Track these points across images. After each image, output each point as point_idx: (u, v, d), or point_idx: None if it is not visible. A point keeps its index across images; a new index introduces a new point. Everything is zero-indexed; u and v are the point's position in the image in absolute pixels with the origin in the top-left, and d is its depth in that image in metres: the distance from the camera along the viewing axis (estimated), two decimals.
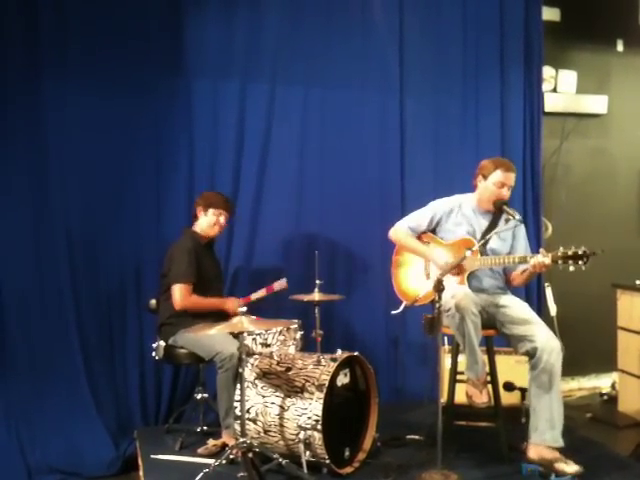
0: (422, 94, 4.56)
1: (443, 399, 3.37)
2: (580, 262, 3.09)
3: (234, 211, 3.91)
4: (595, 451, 3.55)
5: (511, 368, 3.90)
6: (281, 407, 3.20)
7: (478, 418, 3.52)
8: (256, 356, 3.43)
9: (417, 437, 3.63)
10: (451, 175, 4.50)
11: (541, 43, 4.77)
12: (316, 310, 3.67)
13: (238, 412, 3.14)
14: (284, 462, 3.05)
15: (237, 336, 3.18)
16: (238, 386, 3.15)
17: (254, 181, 4.26)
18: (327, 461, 3.12)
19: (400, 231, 3.66)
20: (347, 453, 3.29)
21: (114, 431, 3.88)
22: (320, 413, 3.10)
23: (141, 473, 3.37)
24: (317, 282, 3.68)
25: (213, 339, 3.39)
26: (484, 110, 4.67)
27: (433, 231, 3.63)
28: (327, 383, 3.15)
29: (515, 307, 3.41)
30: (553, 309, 4.73)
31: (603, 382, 5.10)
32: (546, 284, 4.76)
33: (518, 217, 3.44)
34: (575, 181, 5.18)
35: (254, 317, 3.36)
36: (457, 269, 3.36)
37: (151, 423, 4.04)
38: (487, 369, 3.34)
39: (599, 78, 5.20)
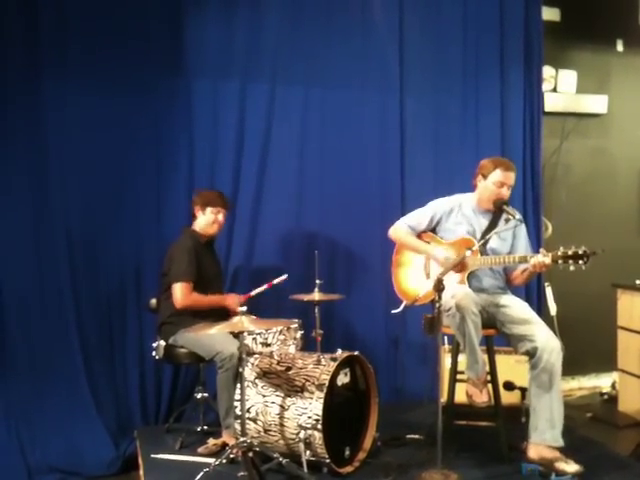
0: (422, 94, 4.56)
1: (443, 399, 3.37)
2: (580, 262, 3.10)
3: (231, 207, 3.90)
4: (595, 451, 3.55)
5: (511, 368, 3.90)
6: (281, 406, 3.21)
7: (478, 418, 3.52)
8: (256, 355, 3.43)
9: (417, 437, 3.63)
10: (451, 175, 4.50)
11: (541, 43, 4.77)
12: (316, 310, 3.67)
13: (238, 411, 3.14)
14: (284, 461, 3.05)
15: (237, 336, 3.18)
16: (238, 385, 3.16)
17: (254, 181, 4.26)
18: (327, 460, 3.12)
19: (400, 229, 3.66)
20: (347, 452, 3.29)
21: (114, 431, 3.88)
22: (320, 412, 3.10)
23: (141, 472, 3.37)
24: (317, 282, 3.68)
25: (213, 339, 3.39)
26: (484, 110, 4.67)
27: (433, 230, 3.63)
28: (327, 382, 3.15)
29: (515, 307, 3.41)
30: (553, 309, 4.74)
31: (603, 382, 5.10)
32: (546, 284, 4.76)
33: (518, 217, 3.45)
34: (575, 181, 5.18)
35: (254, 316, 3.36)
36: (457, 268, 3.36)
37: (151, 423, 4.04)
38: (487, 369, 3.34)
39: (599, 78, 5.20)
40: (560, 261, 3.13)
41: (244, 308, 3.08)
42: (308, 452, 3.11)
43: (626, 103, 5.26)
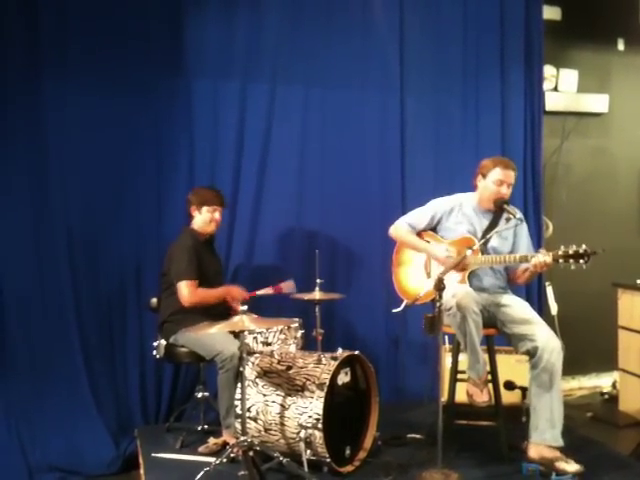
0: (422, 93, 4.56)
1: (444, 398, 3.37)
2: (581, 261, 3.10)
3: (227, 204, 3.87)
4: (595, 450, 3.55)
5: (512, 367, 3.90)
6: (282, 406, 3.21)
7: (479, 417, 3.52)
8: (257, 355, 3.43)
9: (418, 436, 3.63)
10: (451, 174, 4.50)
11: (542, 42, 4.77)
12: (317, 309, 3.68)
13: (239, 411, 3.14)
14: (285, 461, 3.05)
15: (238, 335, 3.18)
16: (239, 385, 3.15)
17: (254, 181, 4.26)
18: (328, 460, 3.12)
19: (400, 228, 3.66)
20: (348, 452, 3.29)
21: (115, 430, 3.88)
22: (321, 412, 3.10)
23: (142, 472, 3.37)
24: (318, 281, 3.69)
25: (214, 338, 3.39)
26: (484, 109, 4.67)
27: (434, 230, 3.63)
28: (328, 382, 3.15)
29: (516, 306, 3.41)
30: (554, 308, 4.74)
31: (604, 381, 5.09)
32: (547, 283, 4.76)
33: (519, 216, 3.46)
34: (576, 180, 5.17)
35: (255, 316, 3.36)
36: (458, 268, 3.35)
37: (152, 422, 4.04)
38: (487, 368, 3.34)
39: (600, 77, 5.20)
40: (561, 260, 3.13)
41: (245, 307, 3.08)
42: (308, 451, 3.11)
43: (627, 102, 5.26)
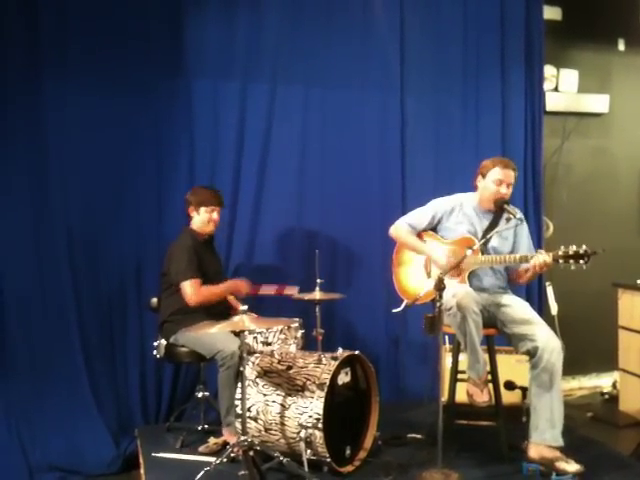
0: (423, 93, 4.56)
1: (444, 398, 3.37)
2: (581, 261, 3.10)
3: (224, 204, 3.86)
4: (596, 450, 3.55)
5: (512, 367, 3.89)
6: (282, 405, 3.21)
7: (479, 417, 3.52)
8: (257, 354, 3.43)
9: (418, 436, 3.63)
10: (451, 174, 4.51)
11: (542, 42, 4.77)
12: (317, 309, 3.68)
13: (239, 410, 3.14)
14: (285, 460, 3.05)
15: (238, 334, 3.18)
16: (239, 384, 3.15)
17: (254, 181, 4.26)
18: (328, 459, 3.12)
19: (401, 228, 3.66)
20: (348, 452, 3.29)
21: (115, 430, 3.88)
22: (321, 411, 3.10)
23: (142, 471, 3.37)
24: (318, 281, 3.69)
25: (214, 338, 3.39)
26: (485, 109, 4.67)
27: (434, 229, 3.63)
28: (328, 382, 3.15)
29: (516, 306, 3.41)
30: (554, 308, 4.73)
31: (604, 381, 5.09)
32: (547, 283, 4.76)
33: (519, 215, 3.46)
34: (576, 180, 5.17)
35: (255, 315, 3.36)
36: (456, 272, 3.35)
37: (152, 422, 4.04)
38: (488, 368, 3.34)
39: (600, 77, 5.20)
40: (561, 260, 3.14)
41: (245, 307, 3.08)
42: (309, 451, 3.11)
43: (627, 102, 5.26)
